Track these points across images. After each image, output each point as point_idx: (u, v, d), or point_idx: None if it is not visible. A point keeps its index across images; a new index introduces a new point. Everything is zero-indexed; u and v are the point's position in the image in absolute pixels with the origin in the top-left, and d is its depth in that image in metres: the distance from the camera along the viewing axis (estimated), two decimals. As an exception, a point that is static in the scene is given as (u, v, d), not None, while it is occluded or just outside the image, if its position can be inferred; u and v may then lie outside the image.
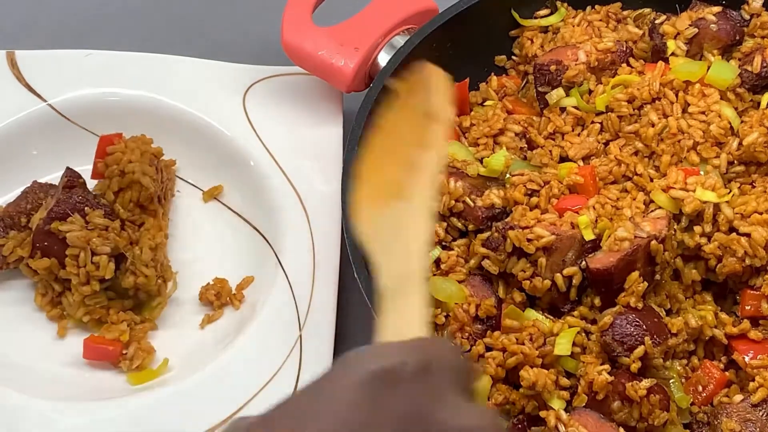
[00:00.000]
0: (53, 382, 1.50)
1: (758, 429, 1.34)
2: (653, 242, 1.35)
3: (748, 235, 1.37)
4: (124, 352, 1.51)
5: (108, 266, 1.50)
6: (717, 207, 1.38)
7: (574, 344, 1.35)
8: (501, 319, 1.37)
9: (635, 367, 1.32)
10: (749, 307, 1.39)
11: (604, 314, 1.35)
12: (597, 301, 1.37)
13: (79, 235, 1.49)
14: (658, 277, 1.38)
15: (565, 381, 1.35)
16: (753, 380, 1.36)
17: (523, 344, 1.34)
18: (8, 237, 1.56)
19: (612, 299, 1.36)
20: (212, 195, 1.68)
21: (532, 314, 1.37)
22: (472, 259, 1.42)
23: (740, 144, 1.44)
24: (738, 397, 1.36)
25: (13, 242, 1.55)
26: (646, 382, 1.32)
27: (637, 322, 1.33)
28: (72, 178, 1.55)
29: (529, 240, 1.36)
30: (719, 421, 1.35)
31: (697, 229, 1.38)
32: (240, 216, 1.66)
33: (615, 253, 1.35)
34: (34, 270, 1.53)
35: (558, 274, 1.36)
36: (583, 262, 1.36)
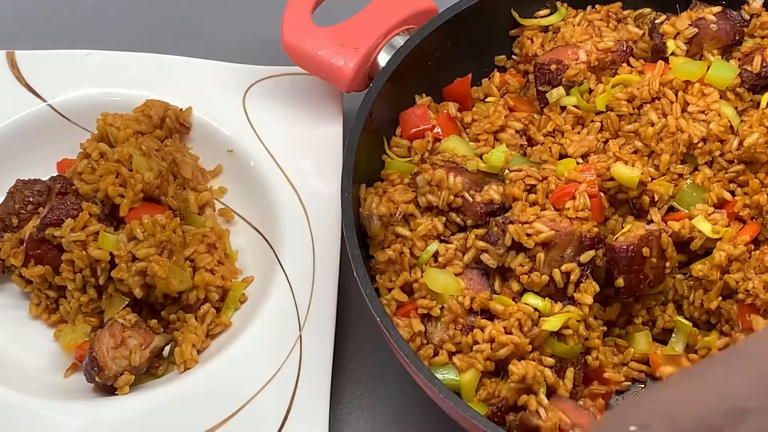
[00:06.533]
0: (53, 382, 1.50)
1: None
2: (664, 235, 1.39)
3: None
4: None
5: (104, 272, 1.49)
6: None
7: (567, 327, 1.36)
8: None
9: None
10: None
11: None
12: (620, 281, 1.39)
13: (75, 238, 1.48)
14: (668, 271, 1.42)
15: (549, 360, 1.35)
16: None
17: (511, 333, 1.34)
18: (3, 240, 1.55)
19: (635, 286, 1.39)
20: (213, 195, 1.68)
21: (530, 298, 1.37)
22: (468, 252, 1.42)
23: (740, 144, 1.44)
24: None
25: (9, 244, 1.54)
26: None
27: None
28: (65, 185, 1.54)
29: (528, 235, 1.36)
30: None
31: None
32: (240, 216, 1.66)
33: (635, 235, 1.38)
34: (27, 280, 1.52)
35: (556, 270, 1.37)
36: (600, 251, 1.38)
